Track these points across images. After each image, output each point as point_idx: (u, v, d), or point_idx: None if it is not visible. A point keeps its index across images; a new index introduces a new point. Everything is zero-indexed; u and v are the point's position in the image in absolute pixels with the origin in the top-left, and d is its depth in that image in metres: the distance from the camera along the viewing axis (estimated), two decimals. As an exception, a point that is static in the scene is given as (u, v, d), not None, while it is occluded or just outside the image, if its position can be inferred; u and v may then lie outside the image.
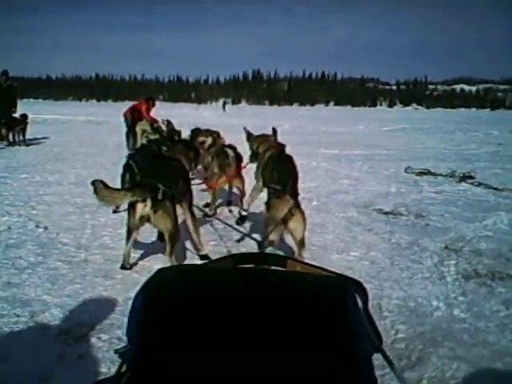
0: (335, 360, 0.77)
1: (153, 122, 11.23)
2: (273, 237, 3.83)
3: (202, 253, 4.25)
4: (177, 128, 10.67)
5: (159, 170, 4.09)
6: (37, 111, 24.18)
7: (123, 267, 3.96)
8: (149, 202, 3.64)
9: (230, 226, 5.25)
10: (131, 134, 11.24)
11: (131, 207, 3.73)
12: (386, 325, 3.03)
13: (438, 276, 3.93)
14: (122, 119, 12.41)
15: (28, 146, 13.09)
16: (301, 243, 3.86)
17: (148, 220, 3.75)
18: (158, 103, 13.27)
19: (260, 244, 3.62)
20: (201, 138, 6.19)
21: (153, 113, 11.98)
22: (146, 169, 3.95)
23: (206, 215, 5.72)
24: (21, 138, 13.35)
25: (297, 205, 3.84)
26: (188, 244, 4.51)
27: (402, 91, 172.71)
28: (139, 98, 12.93)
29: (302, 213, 3.86)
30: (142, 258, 4.23)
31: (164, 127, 10.63)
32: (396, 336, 2.90)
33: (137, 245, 4.54)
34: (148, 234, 4.46)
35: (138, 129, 10.56)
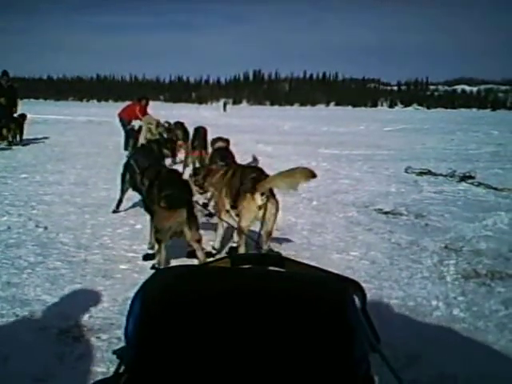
0: (332, 360, 0.77)
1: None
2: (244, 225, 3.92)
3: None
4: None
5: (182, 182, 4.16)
6: (37, 111, 24.21)
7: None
8: (184, 214, 3.71)
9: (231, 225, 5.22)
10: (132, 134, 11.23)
11: (163, 213, 3.75)
12: (385, 324, 3.02)
13: (438, 276, 3.93)
14: (118, 120, 12.28)
15: (24, 145, 13.04)
16: (266, 234, 3.94)
17: (178, 228, 3.78)
18: (158, 103, 13.26)
19: (258, 244, 3.61)
20: None
21: (150, 112, 11.90)
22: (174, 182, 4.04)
23: (209, 214, 5.55)
24: (17, 137, 13.36)
25: (272, 197, 3.90)
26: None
27: (402, 92, 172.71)
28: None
29: (274, 205, 3.91)
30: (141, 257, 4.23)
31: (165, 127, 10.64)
32: (394, 336, 2.90)
33: (136, 245, 4.54)
34: (146, 232, 4.46)
35: (144, 125, 10.64)
